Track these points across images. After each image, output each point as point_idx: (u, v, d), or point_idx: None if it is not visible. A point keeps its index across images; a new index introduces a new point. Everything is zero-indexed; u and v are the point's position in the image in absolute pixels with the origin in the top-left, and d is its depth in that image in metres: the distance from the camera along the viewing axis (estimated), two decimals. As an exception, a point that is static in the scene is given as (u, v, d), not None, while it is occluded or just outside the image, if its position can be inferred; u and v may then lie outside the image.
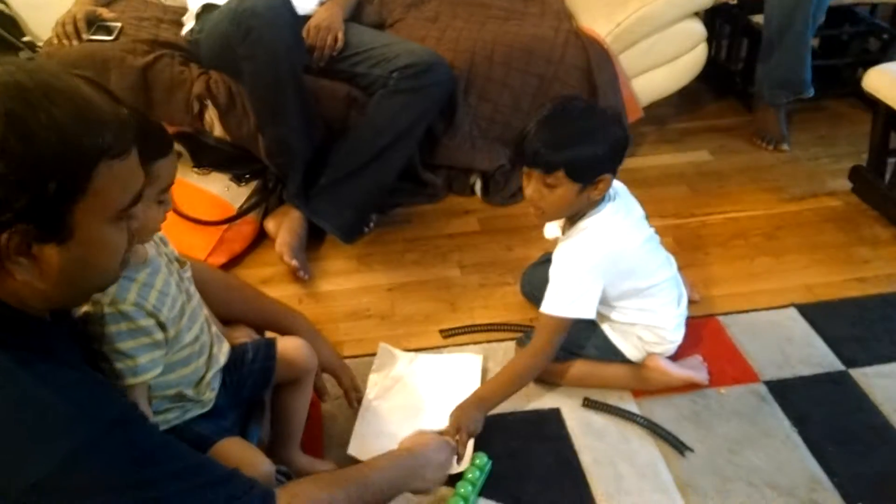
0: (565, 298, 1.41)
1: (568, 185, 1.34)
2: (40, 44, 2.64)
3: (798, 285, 1.85)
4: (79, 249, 0.79)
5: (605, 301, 1.48)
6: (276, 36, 1.77)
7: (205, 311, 1.22)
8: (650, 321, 1.50)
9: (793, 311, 1.76)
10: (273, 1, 1.78)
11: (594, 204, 1.41)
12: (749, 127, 2.46)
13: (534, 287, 1.76)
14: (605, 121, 1.38)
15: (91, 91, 0.79)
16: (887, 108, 1.95)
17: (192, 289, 1.17)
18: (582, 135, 1.33)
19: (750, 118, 2.48)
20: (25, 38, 2.61)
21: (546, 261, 1.78)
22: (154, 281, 1.06)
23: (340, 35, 1.98)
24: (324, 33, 1.97)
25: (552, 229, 1.56)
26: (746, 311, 1.76)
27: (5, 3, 2.62)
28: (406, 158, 2.01)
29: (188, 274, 1.17)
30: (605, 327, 1.54)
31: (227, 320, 1.37)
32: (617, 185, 1.46)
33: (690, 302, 1.65)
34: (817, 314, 1.74)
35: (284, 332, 1.39)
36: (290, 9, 1.84)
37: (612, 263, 1.42)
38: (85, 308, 1.00)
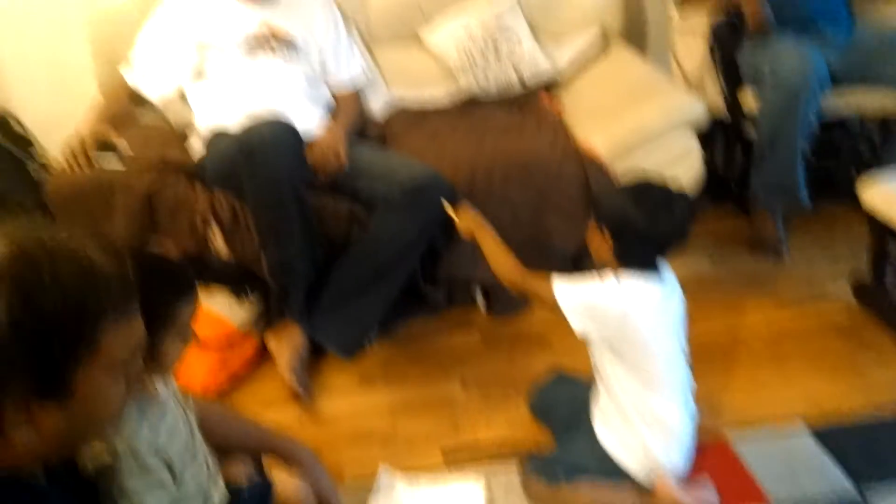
0: (570, 288, 1.45)
1: (593, 225, 1.47)
2: (51, 159, 2.73)
3: (804, 397, 1.83)
4: (79, 406, 0.79)
5: (612, 391, 1.47)
6: (280, 161, 1.82)
7: (204, 449, 1.21)
8: (659, 427, 1.48)
9: (801, 427, 1.73)
10: (280, 130, 1.84)
11: (609, 261, 1.44)
12: (748, 234, 2.48)
13: (545, 406, 1.75)
14: (658, 204, 1.41)
15: (95, 249, 0.80)
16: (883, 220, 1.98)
17: (195, 426, 1.16)
18: (625, 190, 1.44)
19: (748, 225, 2.50)
20: (35, 153, 2.69)
21: (558, 379, 1.79)
22: (164, 420, 1.06)
23: (343, 155, 2.04)
24: (327, 153, 2.03)
25: None
26: (753, 427, 1.73)
27: (21, 125, 2.71)
28: (408, 274, 2.03)
29: (192, 410, 1.16)
30: (610, 437, 1.52)
31: (223, 451, 1.36)
32: (671, 279, 1.49)
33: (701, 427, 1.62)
34: (826, 430, 1.71)
35: (284, 461, 1.38)
36: (295, 133, 1.90)
37: (622, 318, 1.41)
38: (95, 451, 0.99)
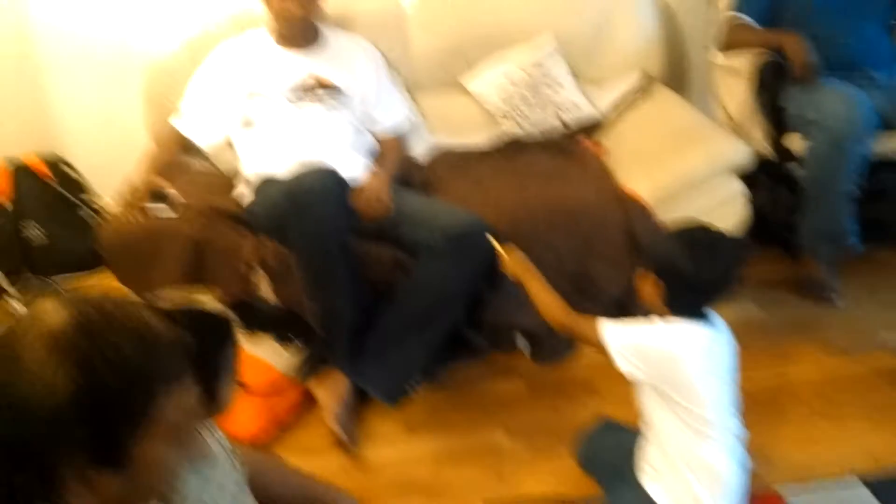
0: (618, 330, 1.44)
1: (642, 270, 1.47)
2: (102, 202, 2.81)
3: (859, 451, 1.78)
4: (138, 472, 0.79)
5: (660, 438, 1.46)
6: (327, 212, 1.85)
7: (251, 502, 1.21)
8: (708, 475, 1.44)
9: (857, 483, 1.68)
10: (325, 179, 1.87)
11: (658, 306, 1.43)
12: (796, 278, 2.44)
13: (592, 456, 1.72)
14: (708, 250, 1.40)
15: (151, 317, 0.81)
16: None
17: (244, 479, 1.16)
18: (675, 238, 1.44)
19: (796, 269, 2.46)
20: (87, 198, 2.77)
21: (605, 427, 1.76)
22: (215, 474, 1.07)
23: (388, 201, 2.06)
24: (371, 199, 2.05)
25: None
26: (806, 482, 1.69)
27: (70, 167, 2.80)
28: (452, 320, 2.03)
29: (240, 462, 1.17)
30: (658, 488, 1.49)
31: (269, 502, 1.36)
32: (721, 325, 1.47)
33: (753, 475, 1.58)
34: (884, 486, 1.66)
35: None
36: (340, 183, 1.93)
37: (671, 361, 1.40)
38: None
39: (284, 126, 2.22)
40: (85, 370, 0.73)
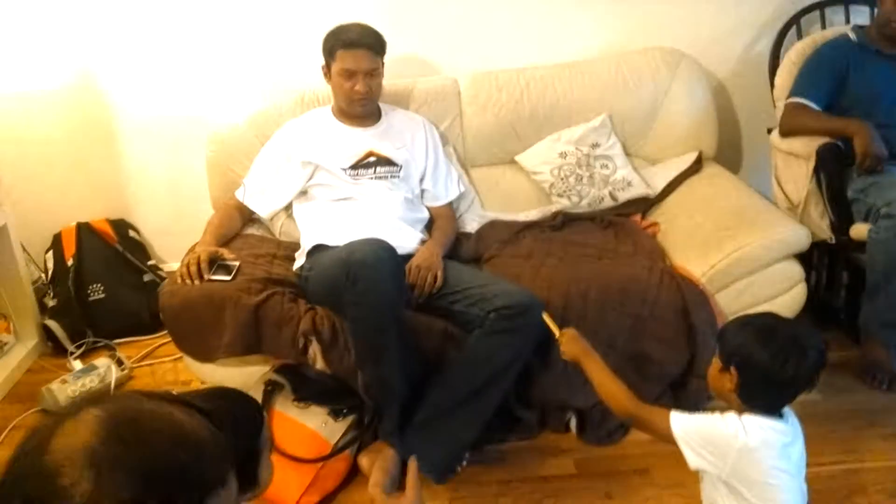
0: (688, 421, 1.39)
1: (716, 358, 1.41)
2: (164, 266, 2.90)
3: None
4: None
5: None
6: (381, 286, 1.87)
7: None
8: None
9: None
10: (381, 253, 1.91)
11: (732, 398, 1.39)
12: (858, 363, 2.35)
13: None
14: (790, 346, 1.35)
15: (189, 419, 0.76)
16: None
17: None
18: (754, 329, 1.38)
19: (858, 353, 2.38)
20: (150, 262, 2.86)
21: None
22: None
23: (440, 274, 2.09)
24: (424, 272, 2.08)
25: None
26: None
27: (136, 231, 2.91)
28: (501, 397, 2.01)
29: None
30: None
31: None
32: (794, 421, 1.42)
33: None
34: None
35: None
36: (395, 257, 1.96)
37: (742, 457, 1.34)
38: None
39: (341, 198, 2.29)
40: (129, 485, 0.67)
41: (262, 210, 2.39)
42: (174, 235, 2.77)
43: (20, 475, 0.69)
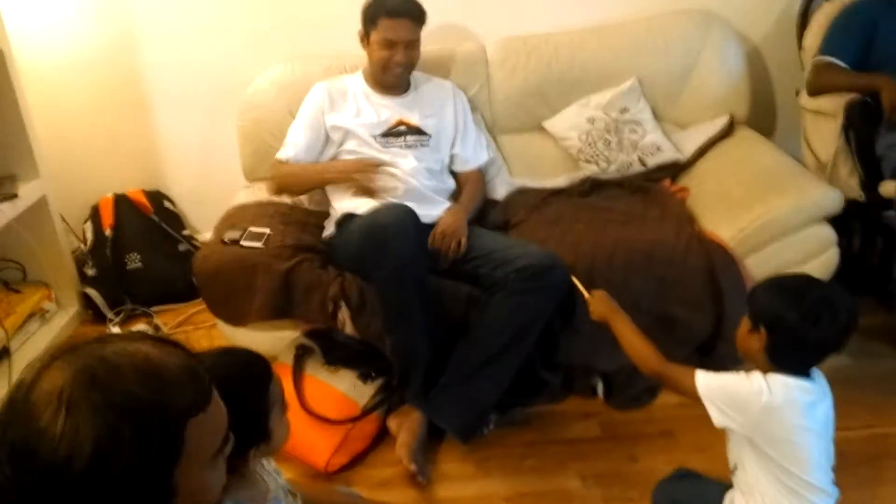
0: (714, 380, 1.40)
1: (746, 318, 1.41)
2: (198, 236, 2.95)
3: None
4: (185, 501, 0.79)
5: (749, 491, 1.42)
6: (403, 251, 1.90)
7: None
8: None
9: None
10: (402, 218, 1.93)
11: (759, 359, 1.38)
12: (890, 329, 2.31)
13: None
14: (821, 307, 1.34)
15: (156, 352, 0.79)
16: None
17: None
18: (785, 290, 1.38)
19: (891, 318, 2.34)
20: (185, 232, 2.92)
21: (684, 476, 1.72)
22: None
23: (464, 240, 2.11)
24: (449, 238, 2.10)
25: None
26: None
27: (171, 201, 2.97)
28: (523, 358, 2.03)
29: (294, 499, 1.20)
30: None
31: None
32: (822, 382, 1.43)
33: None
34: None
35: None
36: (417, 222, 1.98)
37: (768, 416, 1.35)
38: None
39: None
40: (101, 421, 0.72)
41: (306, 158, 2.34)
42: (207, 205, 2.82)
43: (4, 423, 0.74)
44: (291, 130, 2.36)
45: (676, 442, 1.96)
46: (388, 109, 2.35)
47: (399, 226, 1.92)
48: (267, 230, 2.22)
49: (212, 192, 2.85)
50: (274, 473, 1.20)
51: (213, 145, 2.88)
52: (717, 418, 1.40)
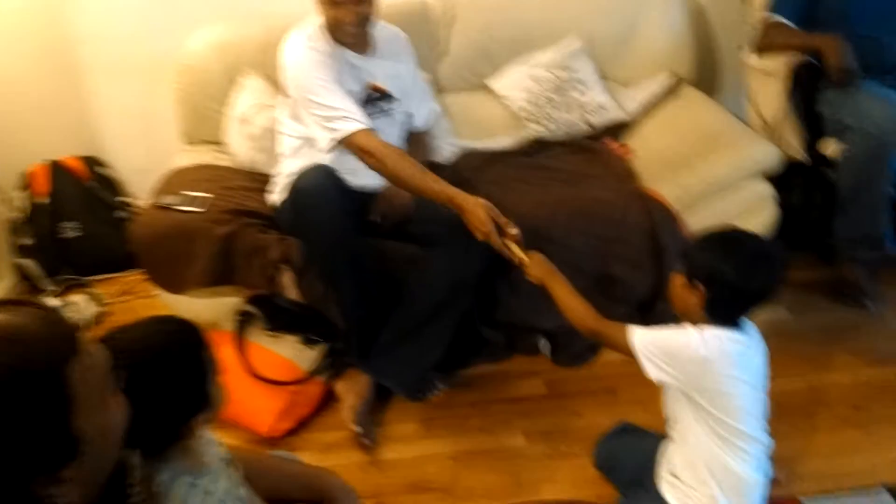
0: (648, 336, 1.42)
1: (680, 274, 1.42)
2: (139, 203, 2.87)
3: (889, 462, 1.73)
4: (92, 446, 0.80)
5: (685, 443, 1.45)
6: (326, 215, 1.87)
7: None
8: (730, 484, 1.42)
9: (885, 495, 1.63)
10: (322, 182, 1.89)
11: (696, 313, 1.40)
12: (830, 282, 2.36)
13: (611, 459, 1.70)
14: (756, 258, 1.37)
15: (11, 317, 0.79)
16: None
17: (243, 490, 1.18)
18: (719, 244, 1.40)
19: (830, 273, 2.39)
20: (125, 199, 2.84)
21: (624, 430, 1.74)
22: (216, 488, 1.08)
23: (408, 203, 2.07)
24: (393, 201, 2.06)
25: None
26: (832, 494, 1.64)
27: (109, 168, 2.87)
28: (462, 315, 2.02)
29: (238, 476, 1.18)
30: (677, 496, 1.47)
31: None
32: (754, 333, 1.45)
33: (774, 482, 1.55)
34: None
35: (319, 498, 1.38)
36: (340, 184, 1.94)
37: (702, 368, 1.37)
38: None
39: None
40: None
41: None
42: (148, 171, 2.73)
43: None
44: (331, 103, 1.93)
45: (619, 397, 1.99)
46: (358, 73, 2.08)
47: (317, 190, 1.88)
48: (207, 194, 2.17)
49: (152, 157, 2.75)
50: (211, 445, 1.18)
51: (152, 109, 2.77)
52: (652, 372, 1.42)
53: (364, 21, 2.03)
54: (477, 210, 1.79)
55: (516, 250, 1.72)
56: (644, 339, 1.43)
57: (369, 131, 1.92)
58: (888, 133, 2.06)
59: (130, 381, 0.94)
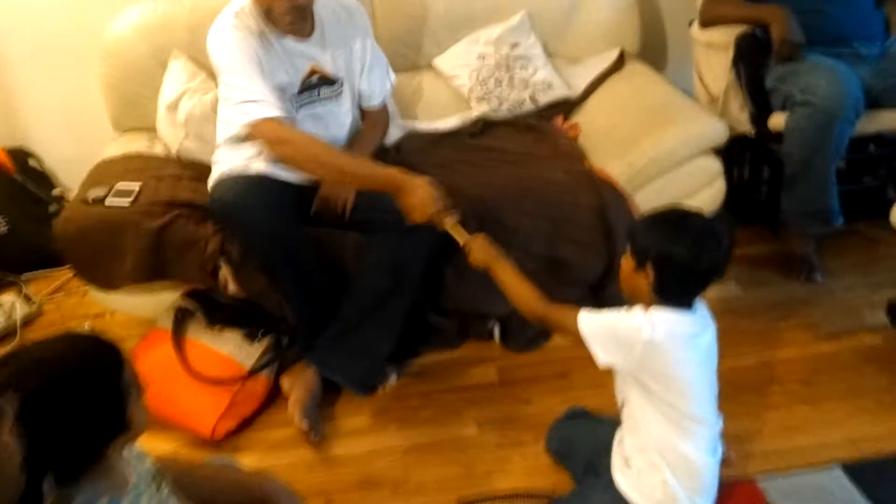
0: (596, 319, 1.39)
1: (628, 258, 1.39)
2: (70, 195, 2.74)
3: (841, 439, 1.72)
4: None
5: (636, 427, 1.43)
6: (253, 226, 1.81)
7: None
8: (682, 467, 1.40)
9: (838, 472, 1.62)
10: (241, 192, 1.82)
11: (646, 295, 1.37)
12: (779, 256, 2.36)
13: (564, 446, 1.68)
14: (704, 236, 1.34)
15: None
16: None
17: (173, 503, 1.11)
18: (667, 225, 1.36)
19: (779, 247, 2.39)
20: (56, 192, 2.71)
21: (575, 416, 1.72)
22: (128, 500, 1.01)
23: (350, 198, 1.97)
24: (337, 192, 1.97)
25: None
26: (786, 472, 1.63)
27: (37, 159, 2.73)
28: (409, 301, 1.96)
29: (167, 490, 1.11)
30: (630, 482, 1.45)
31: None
32: (704, 313, 1.42)
33: (725, 461, 1.53)
34: (865, 475, 1.61)
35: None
36: (263, 187, 1.85)
37: (650, 351, 1.34)
38: None
39: None
40: None
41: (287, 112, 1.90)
42: (79, 162, 2.59)
43: None
44: (245, 86, 1.83)
45: (571, 382, 1.95)
46: (298, 58, 1.95)
47: (237, 202, 1.80)
48: (136, 186, 2.06)
49: (82, 147, 2.62)
50: (135, 461, 1.10)
51: (79, 96, 2.64)
52: (601, 357, 1.38)
53: (301, 10, 1.89)
54: (420, 190, 1.73)
55: (459, 233, 1.66)
56: (592, 324, 1.39)
57: (281, 120, 1.82)
58: (834, 104, 2.04)
59: (33, 405, 0.88)
